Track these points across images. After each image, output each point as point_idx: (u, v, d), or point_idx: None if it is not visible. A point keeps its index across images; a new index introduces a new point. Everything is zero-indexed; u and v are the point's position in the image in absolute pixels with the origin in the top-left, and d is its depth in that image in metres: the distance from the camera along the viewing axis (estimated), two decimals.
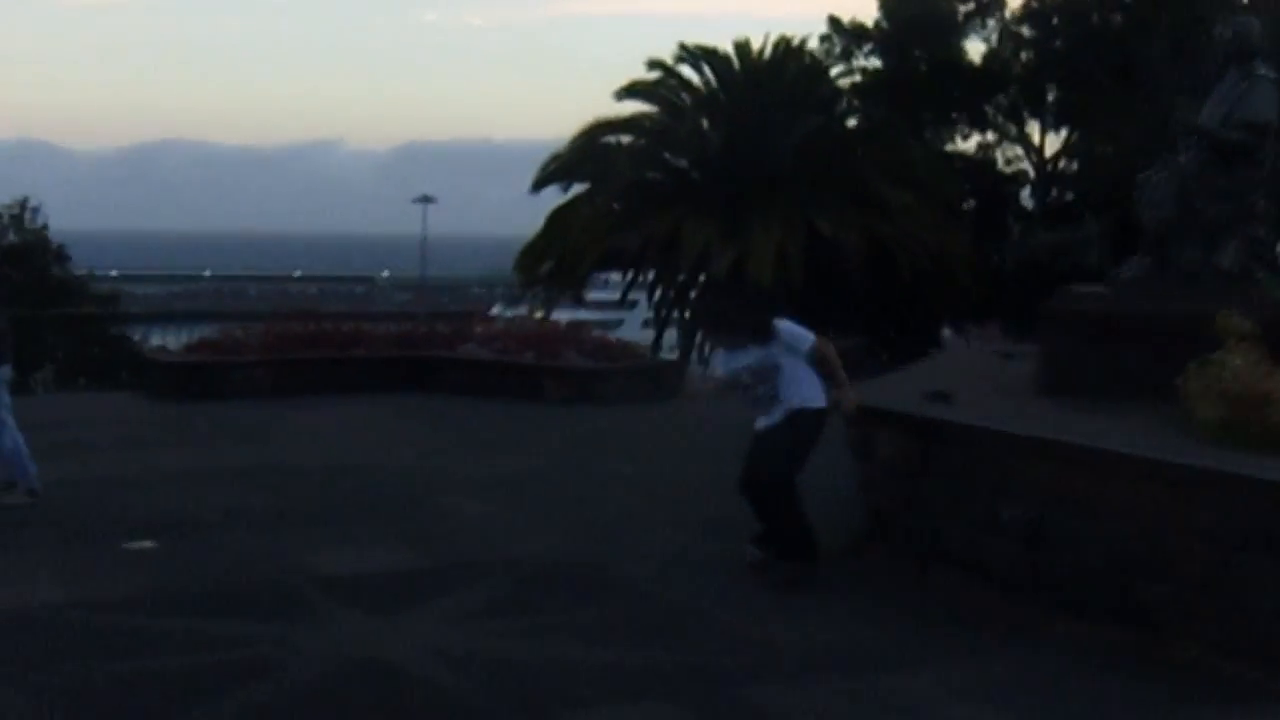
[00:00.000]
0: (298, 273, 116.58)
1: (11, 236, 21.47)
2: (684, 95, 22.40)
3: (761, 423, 6.96)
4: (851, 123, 24.65)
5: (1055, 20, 28.10)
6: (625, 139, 22.29)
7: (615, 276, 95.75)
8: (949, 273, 20.23)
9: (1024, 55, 27.31)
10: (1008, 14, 27.69)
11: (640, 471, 10.33)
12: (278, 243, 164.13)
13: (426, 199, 72.39)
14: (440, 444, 11.92)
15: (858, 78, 24.47)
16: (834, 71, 24.45)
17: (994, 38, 28.05)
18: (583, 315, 78.39)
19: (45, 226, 21.89)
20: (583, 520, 8.57)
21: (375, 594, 6.68)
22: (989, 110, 27.16)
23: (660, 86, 22.49)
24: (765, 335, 6.90)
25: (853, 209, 20.23)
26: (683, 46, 22.27)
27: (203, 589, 6.79)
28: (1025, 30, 28.47)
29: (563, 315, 64.90)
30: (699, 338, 21.74)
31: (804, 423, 6.84)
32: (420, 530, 8.24)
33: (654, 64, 22.34)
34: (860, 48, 26.01)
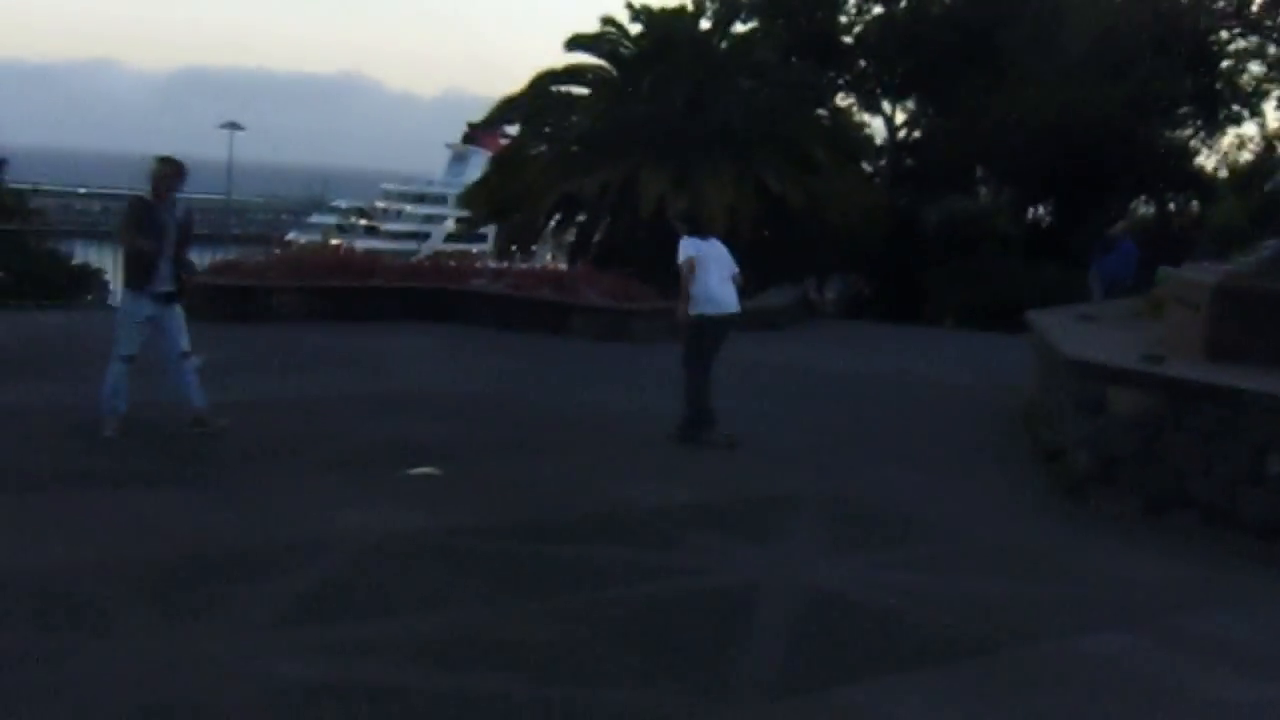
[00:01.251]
0: (82, 189, 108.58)
1: None
2: (623, 50, 22.09)
3: None
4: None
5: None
6: (577, 90, 21.86)
7: (408, 208, 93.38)
8: (871, 228, 20.92)
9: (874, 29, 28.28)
10: None
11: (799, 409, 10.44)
12: (58, 158, 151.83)
13: (234, 126, 69.46)
14: (542, 376, 11.71)
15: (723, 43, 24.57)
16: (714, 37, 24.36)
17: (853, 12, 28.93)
18: (378, 245, 76.25)
19: None
20: (805, 456, 8.59)
21: (728, 526, 6.58)
22: (844, 79, 28.04)
23: (604, 41, 22.12)
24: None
25: (789, 167, 20.57)
26: (630, 5, 22.00)
27: (549, 517, 6.61)
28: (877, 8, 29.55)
29: (360, 243, 63.27)
30: None
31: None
32: (663, 464, 8.08)
33: (606, 20, 22.02)
34: (736, 16, 26.27)
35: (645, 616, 5.04)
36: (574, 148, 20.33)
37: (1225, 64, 31.10)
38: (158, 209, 7.63)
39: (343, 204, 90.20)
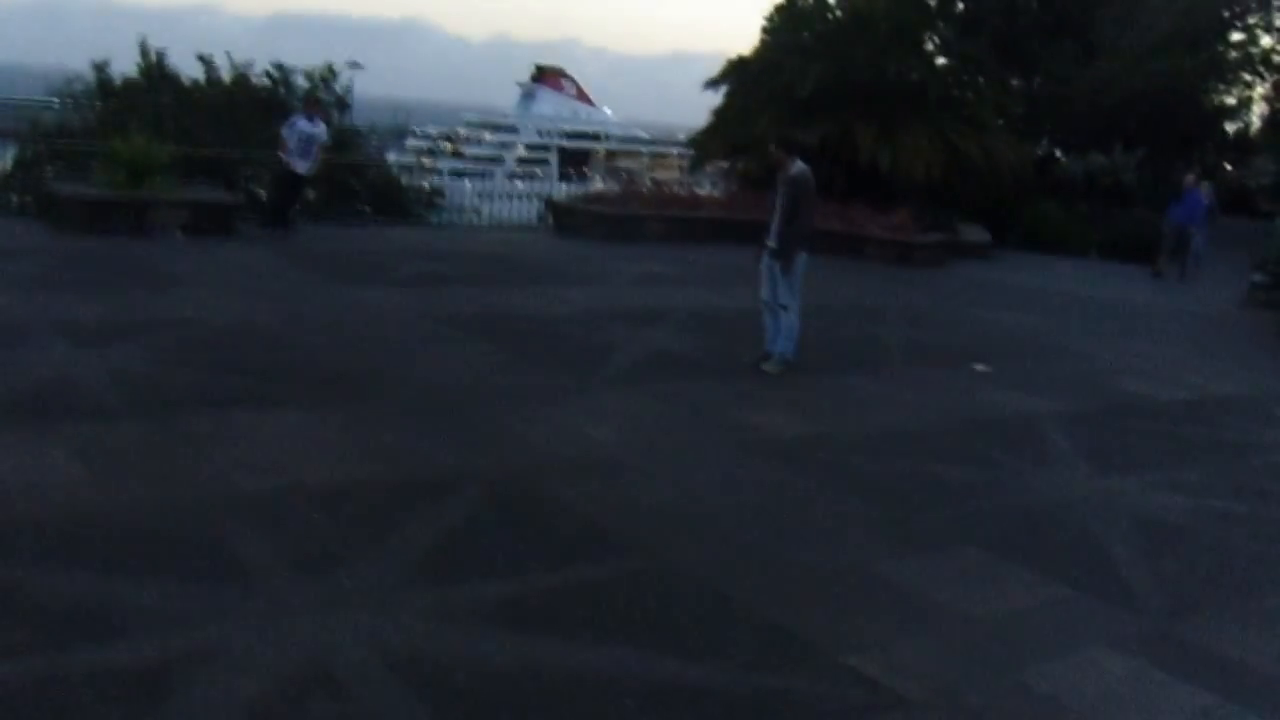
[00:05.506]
0: None
1: (318, 95, 21.32)
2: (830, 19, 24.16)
3: None
4: None
5: None
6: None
7: (486, 136, 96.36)
8: (1028, 180, 23.20)
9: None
10: None
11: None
12: None
13: (356, 65, 70.96)
14: (904, 296, 14.01)
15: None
16: None
17: None
18: (458, 165, 78.21)
19: (349, 86, 21.86)
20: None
21: None
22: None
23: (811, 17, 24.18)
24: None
25: (965, 125, 22.73)
26: None
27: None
28: None
29: (444, 164, 66.64)
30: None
31: None
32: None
33: None
34: None
35: None
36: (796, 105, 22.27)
37: (1237, 36, 33.25)
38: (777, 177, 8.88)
39: (432, 130, 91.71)
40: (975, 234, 20.44)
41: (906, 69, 22.81)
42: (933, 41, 25.75)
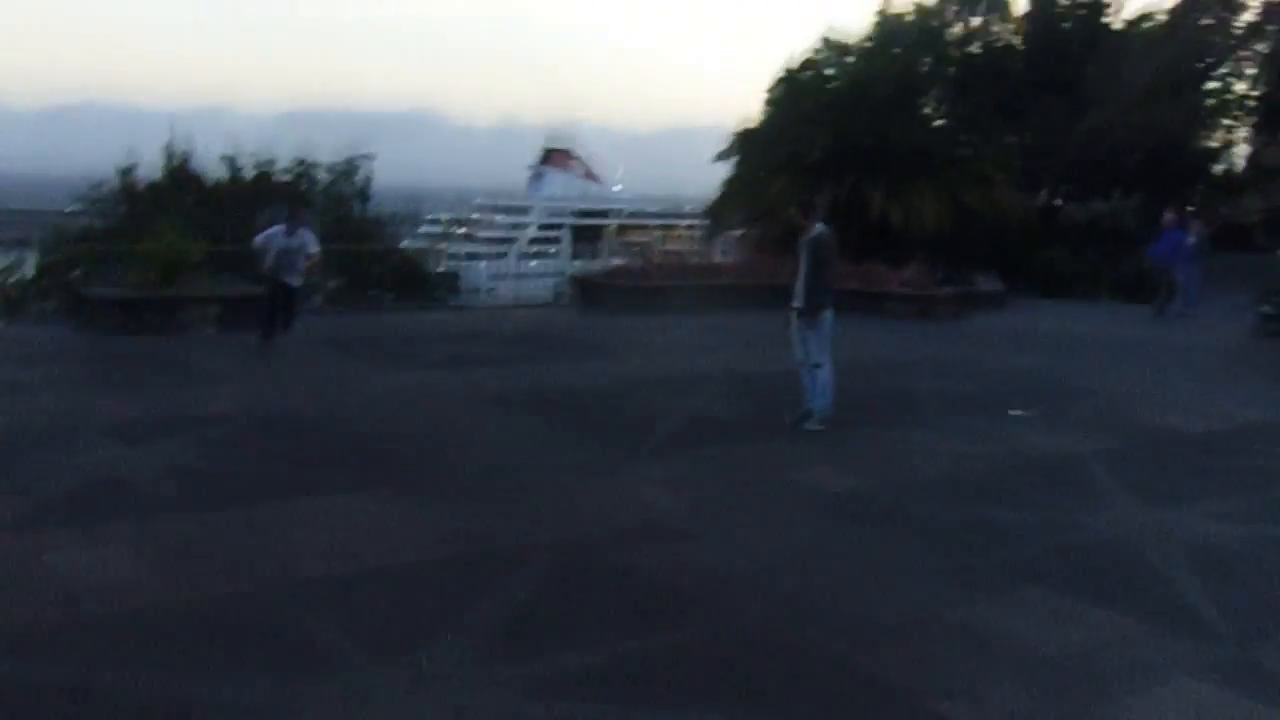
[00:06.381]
0: None
1: (340, 187, 21.67)
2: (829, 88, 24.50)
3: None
4: None
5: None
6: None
7: (497, 219, 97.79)
8: (1032, 230, 23.38)
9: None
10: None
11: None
12: None
13: (367, 157, 72.76)
14: (940, 349, 13.99)
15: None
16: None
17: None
18: (478, 249, 79.85)
19: (368, 178, 22.20)
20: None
21: None
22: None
23: (811, 81, 24.55)
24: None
25: (970, 181, 22.94)
26: (826, 41, 24.60)
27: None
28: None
29: (457, 248, 68.05)
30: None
31: None
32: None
33: (806, 63, 24.51)
34: (843, 59, 28.30)
35: None
36: (806, 172, 22.54)
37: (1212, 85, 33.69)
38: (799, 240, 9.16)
39: (443, 216, 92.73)
40: (989, 284, 20.52)
41: (907, 132, 23.20)
42: (929, 105, 26.21)
